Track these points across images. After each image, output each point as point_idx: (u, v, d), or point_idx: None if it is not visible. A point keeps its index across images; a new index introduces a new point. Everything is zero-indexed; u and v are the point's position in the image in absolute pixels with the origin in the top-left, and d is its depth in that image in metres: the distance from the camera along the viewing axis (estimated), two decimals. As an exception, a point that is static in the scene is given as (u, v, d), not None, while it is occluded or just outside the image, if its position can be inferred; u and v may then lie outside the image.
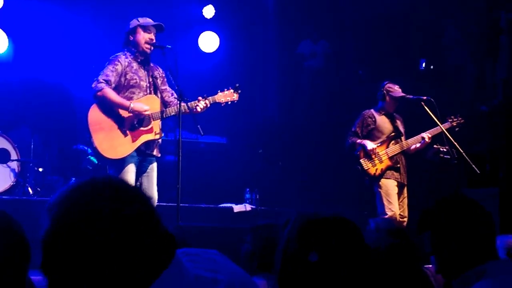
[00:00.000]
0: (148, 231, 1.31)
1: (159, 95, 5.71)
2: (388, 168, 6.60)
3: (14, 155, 7.31)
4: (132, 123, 5.53)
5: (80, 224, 1.26)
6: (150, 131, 5.60)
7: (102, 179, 1.34)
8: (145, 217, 1.31)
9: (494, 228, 2.21)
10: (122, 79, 5.56)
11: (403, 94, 6.69)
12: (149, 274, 1.28)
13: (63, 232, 1.27)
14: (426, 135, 6.62)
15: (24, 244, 1.68)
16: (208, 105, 5.66)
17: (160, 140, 5.71)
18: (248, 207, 7.59)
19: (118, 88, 5.54)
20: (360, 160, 6.60)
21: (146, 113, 5.52)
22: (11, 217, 1.70)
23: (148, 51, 5.65)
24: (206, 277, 1.38)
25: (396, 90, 6.72)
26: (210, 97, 5.71)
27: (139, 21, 5.66)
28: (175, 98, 5.69)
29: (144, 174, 5.64)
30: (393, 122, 6.77)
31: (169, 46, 5.61)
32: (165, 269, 1.31)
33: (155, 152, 5.68)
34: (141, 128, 5.57)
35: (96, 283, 1.26)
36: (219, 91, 5.81)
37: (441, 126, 6.53)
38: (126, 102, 5.47)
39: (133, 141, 5.52)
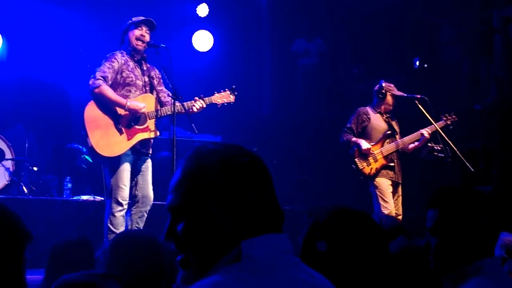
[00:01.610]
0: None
1: (155, 94, 5.72)
2: (383, 167, 6.59)
3: (8, 154, 7.30)
4: (128, 121, 5.54)
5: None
6: (145, 130, 5.60)
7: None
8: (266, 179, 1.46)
9: (498, 228, 2.17)
10: (118, 77, 5.56)
11: (402, 93, 6.70)
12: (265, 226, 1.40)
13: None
14: (426, 131, 6.60)
15: (22, 236, 1.78)
16: (204, 106, 5.67)
17: (152, 139, 5.73)
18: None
19: (114, 86, 5.54)
20: (355, 159, 6.60)
21: (142, 111, 5.52)
22: (10, 210, 1.81)
23: (140, 48, 5.65)
24: (305, 267, 1.45)
25: (394, 88, 6.74)
26: (206, 98, 5.71)
27: (132, 20, 5.69)
28: (171, 98, 5.70)
29: (140, 173, 5.65)
30: (388, 120, 6.77)
31: (163, 45, 5.62)
32: (275, 232, 1.41)
33: (149, 151, 5.70)
34: (137, 127, 5.57)
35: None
36: (215, 92, 5.81)
37: (435, 124, 6.53)
38: (122, 100, 5.47)
39: (129, 139, 5.53)
